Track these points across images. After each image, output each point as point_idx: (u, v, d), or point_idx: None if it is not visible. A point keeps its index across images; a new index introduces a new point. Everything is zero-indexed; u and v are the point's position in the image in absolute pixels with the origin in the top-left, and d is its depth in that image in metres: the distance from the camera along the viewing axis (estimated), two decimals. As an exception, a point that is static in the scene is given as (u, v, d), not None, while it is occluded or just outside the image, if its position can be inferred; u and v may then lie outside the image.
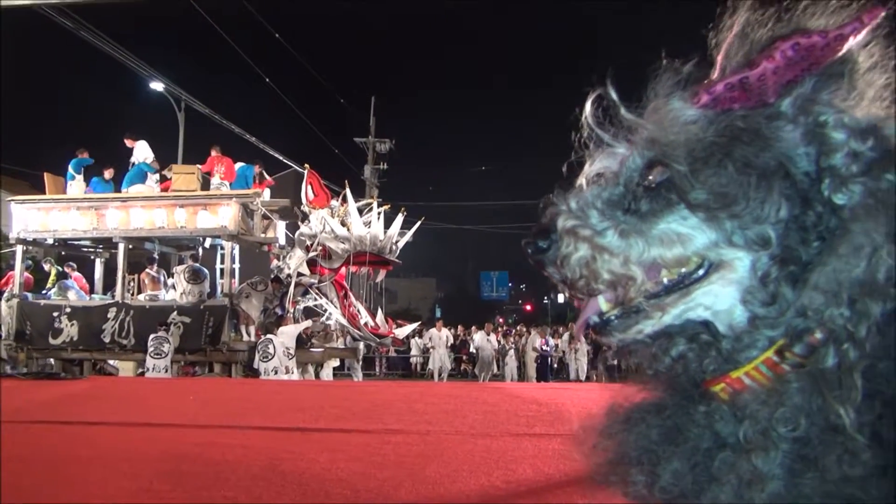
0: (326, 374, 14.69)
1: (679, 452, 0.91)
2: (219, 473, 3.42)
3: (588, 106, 1.01)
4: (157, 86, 21.19)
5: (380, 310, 14.98)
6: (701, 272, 0.90)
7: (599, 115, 1.01)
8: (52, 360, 13.46)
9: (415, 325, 17.70)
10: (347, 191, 13.70)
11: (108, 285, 15.31)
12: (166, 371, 12.06)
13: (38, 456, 3.84)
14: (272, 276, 13.71)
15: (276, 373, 11.82)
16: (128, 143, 14.55)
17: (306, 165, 13.90)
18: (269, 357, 11.95)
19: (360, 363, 15.82)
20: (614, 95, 0.97)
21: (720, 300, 0.90)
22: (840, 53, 0.88)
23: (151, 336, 12.35)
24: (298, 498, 3.01)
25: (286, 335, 12.41)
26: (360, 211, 13.57)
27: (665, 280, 0.92)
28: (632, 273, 0.89)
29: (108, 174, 14.55)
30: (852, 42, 0.88)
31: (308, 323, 13.15)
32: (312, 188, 13.63)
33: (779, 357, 0.86)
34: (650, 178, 0.93)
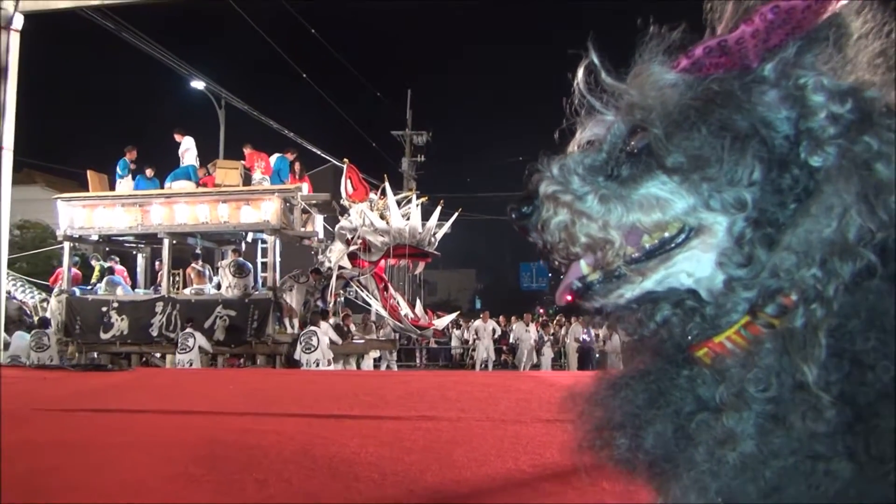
0: (367, 364, 14.83)
1: (662, 416, 0.91)
2: (252, 458, 3.50)
3: (579, 72, 1.00)
4: (198, 84, 21.61)
5: (418, 301, 15.04)
6: (682, 237, 0.90)
7: (591, 81, 1.01)
8: (95, 354, 13.83)
9: (453, 316, 17.70)
10: (386, 184, 13.78)
11: (151, 280, 15.69)
12: (191, 364, 12.29)
13: (78, 442, 3.98)
14: (312, 269, 13.88)
15: (317, 364, 11.94)
16: (177, 137, 14.88)
17: (346, 160, 14.03)
18: (312, 349, 12.06)
19: (395, 354, 15.88)
20: (597, 60, 0.96)
21: (701, 265, 0.90)
22: (824, 17, 0.87)
23: (180, 333, 12.65)
24: (328, 480, 3.07)
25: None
26: (399, 203, 13.63)
27: (646, 245, 0.91)
28: (610, 237, 0.89)
29: (149, 173, 14.90)
30: (836, 6, 0.86)
31: (328, 329, 13.10)
32: (352, 182, 13.75)
33: (752, 317, 0.85)
34: (632, 143, 0.93)
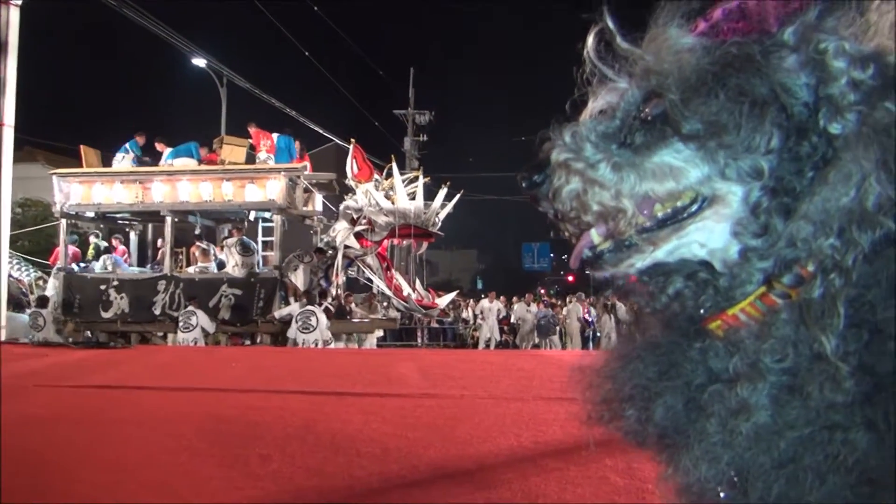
0: (370, 343, 14.84)
1: (672, 388, 0.90)
2: (255, 433, 3.53)
3: (590, 39, 0.98)
4: (200, 62, 21.48)
5: (417, 281, 15.04)
6: (695, 207, 0.88)
7: (602, 49, 0.98)
8: (88, 333, 13.75)
9: (453, 295, 17.69)
10: (394, 164, 13.74)
11: (143, 258, 15.65)
12: (195, 343, 12.23)
13: (82, 417, 4.00)
14: (315, 248, 13.86)
15: (316, 345, 11.89)
16: (158, 147, 14.70)
17: (352, 140, 13.99)
18: (311, 329, 11.93)
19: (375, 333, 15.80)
20: (612, 25, 0.94)
21: (714, 236, 0.88)
22: None
23: (181, 311, 12.64)
24: (330, 456, 3.09)
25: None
26: (405, 184, 13.58)
27: (659, 214, 0.90)
28: (622, 206, 0.87)
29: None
30: None
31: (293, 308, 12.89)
32: (356, 162, 13.71)
33: (768, 288, 0.84)
34: (646, 110, 0.91)
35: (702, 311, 0.91)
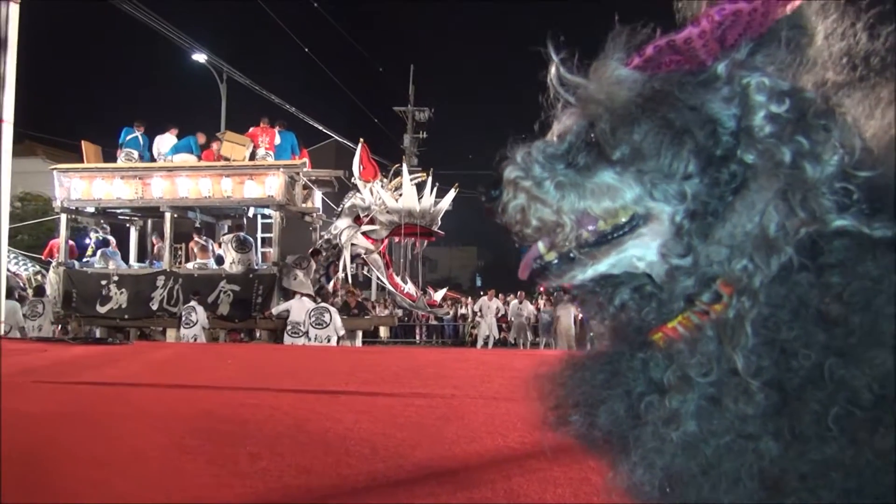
0: (356, 341, 14.81)
1: (615, 395, 0.96)
2: (246, 431, 3.58)
3: (553, 67, 1.04)
4: (200, 57, 21.52)
5: (408, 279, 15.05)
6: (632, 224, 0.96)
7: (566, 76, 1.04)
8: (88, 328, 13.70)
9: (444, 291, 17.64)
10: (404, 165, 13.81)
11: (143, 254, 15.65)
12: (195, 339, 12.25)
13: (76, 413, 4.05)
14: (311, 250, 13.84)
15: (328, 340, 11.92)
16: (137, 131, 14.63)
17: (361, 140, 14.03)
18: (324, 325, 11.97)
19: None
20: (555, 57, 1.00)
21: (650, 251, 0.96)
22: (775, 18, 0.90)
23: (183, 307, 12.68)
24: (320, 454, 3.14)
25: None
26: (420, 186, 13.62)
27: (600, 230, 0.97)
28: (562, 221, 0.95)
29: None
30: (787, 8, 0.91)
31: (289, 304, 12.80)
32: (362, 161, 13.75)
33: (690, 305, 0.90)
34: (591, 135, 0.98)
35: (646, 322, 0.97)
